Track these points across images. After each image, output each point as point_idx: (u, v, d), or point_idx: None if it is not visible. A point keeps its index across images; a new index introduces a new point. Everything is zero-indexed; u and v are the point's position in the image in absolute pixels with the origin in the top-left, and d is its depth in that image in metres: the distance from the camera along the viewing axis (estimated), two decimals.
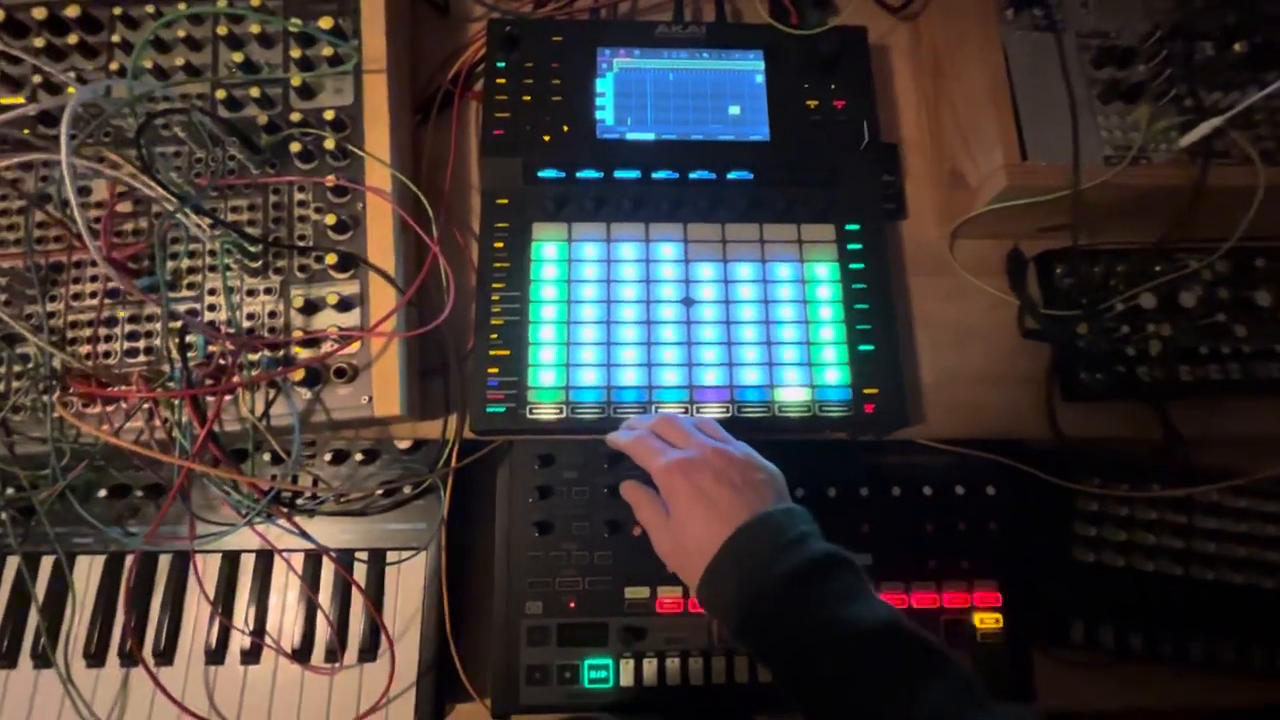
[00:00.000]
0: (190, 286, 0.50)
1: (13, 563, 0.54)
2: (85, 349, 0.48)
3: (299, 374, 0.47)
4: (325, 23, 0.53)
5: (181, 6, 0.54)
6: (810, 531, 0.40)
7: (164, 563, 0.55)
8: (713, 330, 0.55)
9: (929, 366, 0.59)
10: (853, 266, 0.57)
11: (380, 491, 0.54)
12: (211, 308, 0.50)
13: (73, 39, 0.52)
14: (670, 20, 0.62)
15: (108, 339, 0.49)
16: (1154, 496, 0.59)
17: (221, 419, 0.45)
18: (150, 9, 0.54)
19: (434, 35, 0.65)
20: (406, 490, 0.55)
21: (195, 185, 0.49)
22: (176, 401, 0.45)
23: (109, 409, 0.46)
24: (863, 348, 0.55)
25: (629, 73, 0.59)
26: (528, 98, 0.58)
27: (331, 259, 0.49)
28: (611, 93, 0.59)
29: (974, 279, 0.60)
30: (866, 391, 0.54)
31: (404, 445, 0.57)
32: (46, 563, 0.55)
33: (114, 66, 0.53)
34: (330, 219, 0.50)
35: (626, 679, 0.54)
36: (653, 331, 0.54)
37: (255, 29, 0.53)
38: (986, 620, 0.57)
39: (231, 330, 0.47)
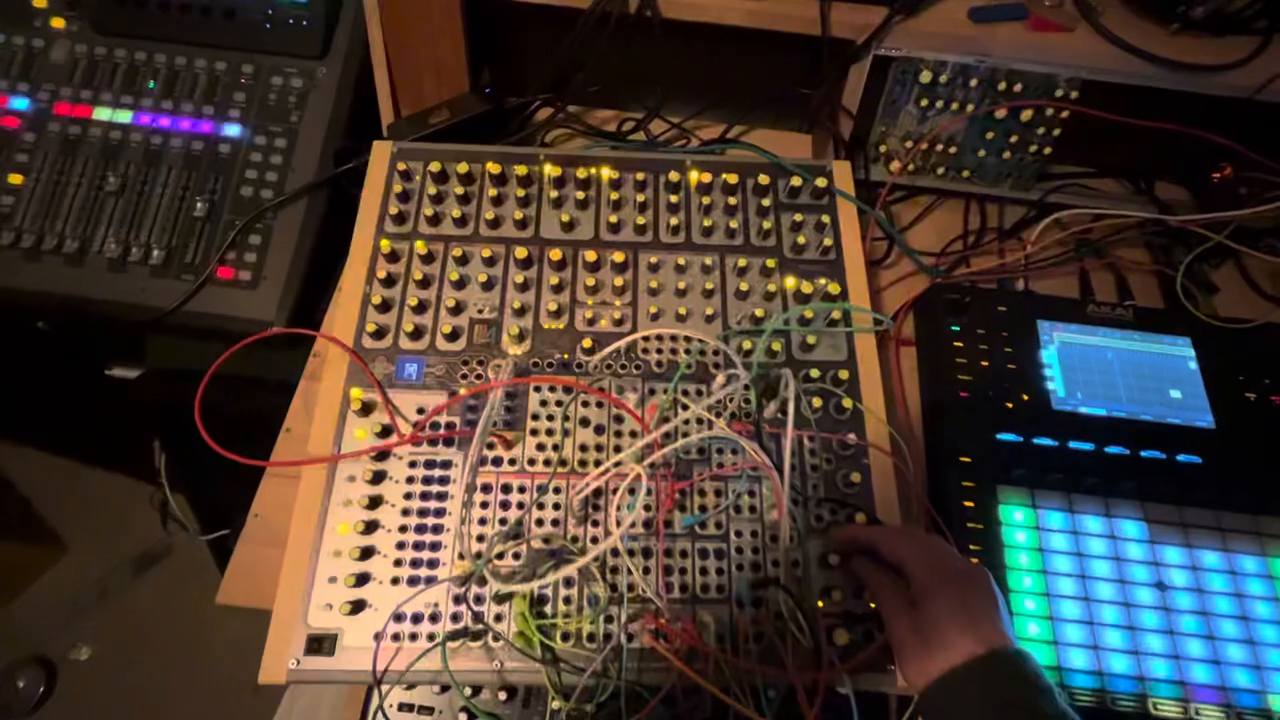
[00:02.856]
0: (718, 525, 0.53)
1: None
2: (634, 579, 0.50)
3: (843, 637, 0.48)
4: (833, 288, 0.60)
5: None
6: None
7: None
8: (1193, 621, 0.54)
9: None
10: None
11: None
12: (739, 550, 0.52)
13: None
14: (1092, 299, 0.68)
15: (646, 572, 0.51)
16: None
17: None
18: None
19: None
20: None
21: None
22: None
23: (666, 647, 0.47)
24: None
25: (1072, 347, 0.64)
26: (985, 363, 0.63)
27: (861, 518, 0.52)
28: (1058, 365, 0.63)
29: None
30: None
31: (843, 690, 0.56)
32: None
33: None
34: (856, 476, 0.54)
35: None
36: (1134, 615, 0.54)
37: (772, 287, 0.61)
38: None
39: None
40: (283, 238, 0.71)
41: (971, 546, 0.56)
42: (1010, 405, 0.61)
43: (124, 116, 0.74)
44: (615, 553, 0.51)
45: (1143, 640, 0.54)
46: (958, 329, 0.64)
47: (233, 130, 0.74)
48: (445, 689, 0.55)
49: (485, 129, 0.74)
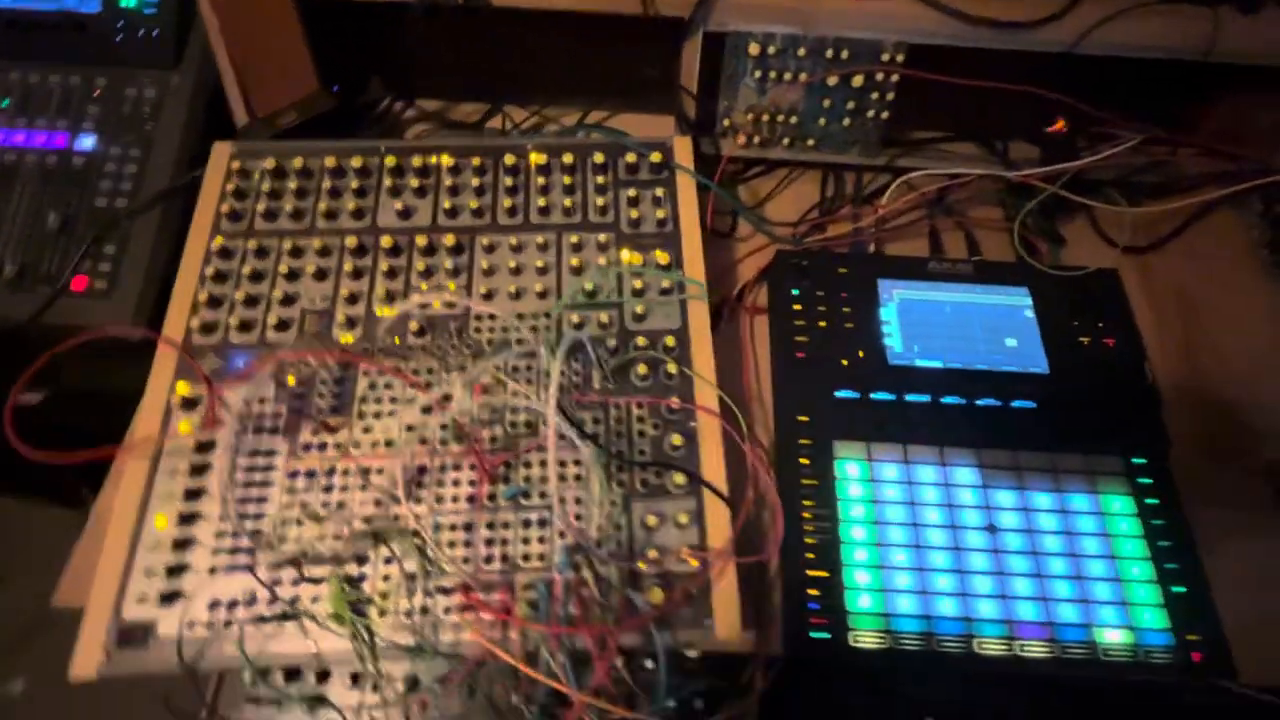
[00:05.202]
0: (541, 495, 0.53)
1: None
2: (454, 552, 0.50)
3: (657, 595, 0.49)
4: (662, 257, 0.61)
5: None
6: None
7: None
8: (1021, 561, 0.55)
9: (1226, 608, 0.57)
10: (1148, 501, 0.58)
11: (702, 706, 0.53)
12: (561, 517, 0.53)
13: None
14: (936, 256, 0.69)
15: (467, 544, 0.51)
16: None
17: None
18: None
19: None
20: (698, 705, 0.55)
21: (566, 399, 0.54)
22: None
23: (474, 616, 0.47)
24: (1175, 589, 0.54)
25: (910, 303, 0.65)
26: (823, 323, 0.63)
27: (680, 479, 0.53)
28: (896, 321, 0.64)
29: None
30: (1190, 638, 0.53)
31: (692, 654, 0.57)
32: None
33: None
34: (677, 439, 0.54)
35: None
36: (963, 559, 0.55)
37: (604, 261, 0.61)
38: None
39: (602, 548, 0.50)
40: (137, 246, 0.71)
41: (805, 503, 0.57)
42: (845, 363, 0.62)
43: None
44: (437, 529, 0.51)
45: (970, 583, 0.55)
46: (797, 292, 0.65)
47: (87, 143, 0.74)
48: (294, 676, 0.55)
49: (342, 129, 0.75)
